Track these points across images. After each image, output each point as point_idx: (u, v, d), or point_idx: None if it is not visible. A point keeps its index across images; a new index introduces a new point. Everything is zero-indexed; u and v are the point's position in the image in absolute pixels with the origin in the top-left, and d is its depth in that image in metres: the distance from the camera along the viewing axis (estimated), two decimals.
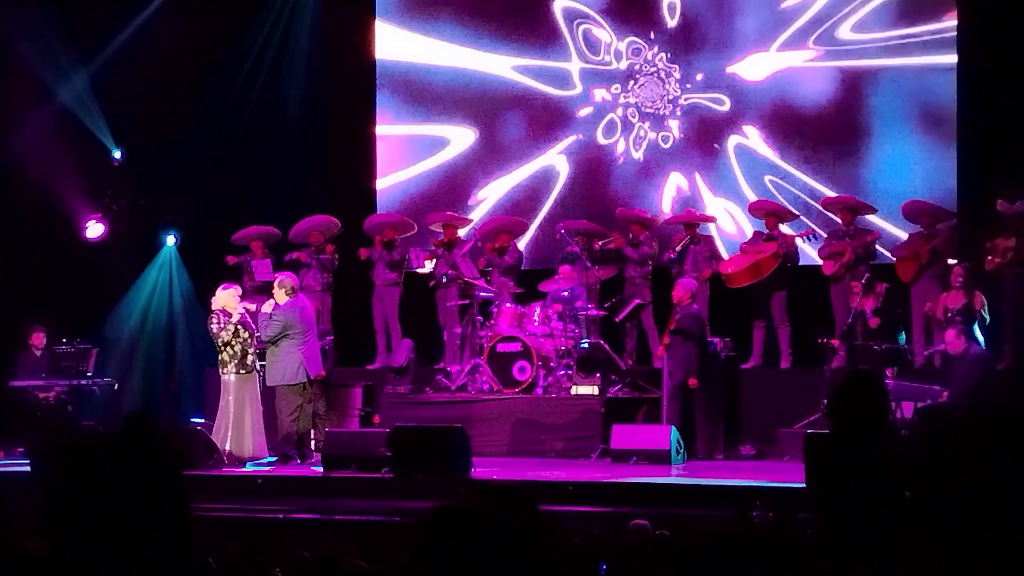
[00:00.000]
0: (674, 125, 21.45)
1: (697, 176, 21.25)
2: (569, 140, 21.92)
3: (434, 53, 22.51)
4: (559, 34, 22.11)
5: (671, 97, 21.48)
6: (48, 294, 21.67)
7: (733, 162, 21.07)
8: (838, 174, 20.48)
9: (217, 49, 22.44)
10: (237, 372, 17.14)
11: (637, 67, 21.73)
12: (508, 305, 19.16)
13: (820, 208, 19.99)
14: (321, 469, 16.38)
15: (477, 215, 21.60)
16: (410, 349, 19.74)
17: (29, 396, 19.94)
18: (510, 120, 22.26)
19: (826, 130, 20.67)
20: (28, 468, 16.27)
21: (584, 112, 21.88)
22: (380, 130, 22.69)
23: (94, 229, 21.89)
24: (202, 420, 18.68)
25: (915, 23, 20.15)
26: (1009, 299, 17.99)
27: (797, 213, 19.80)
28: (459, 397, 18.86)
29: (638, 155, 21.57)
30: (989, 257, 17.98)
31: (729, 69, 21.15)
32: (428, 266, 20.43)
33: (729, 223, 20.85)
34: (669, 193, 21.31)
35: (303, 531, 13.56)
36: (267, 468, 16.85)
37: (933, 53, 20.06)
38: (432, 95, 22.53)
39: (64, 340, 20.42)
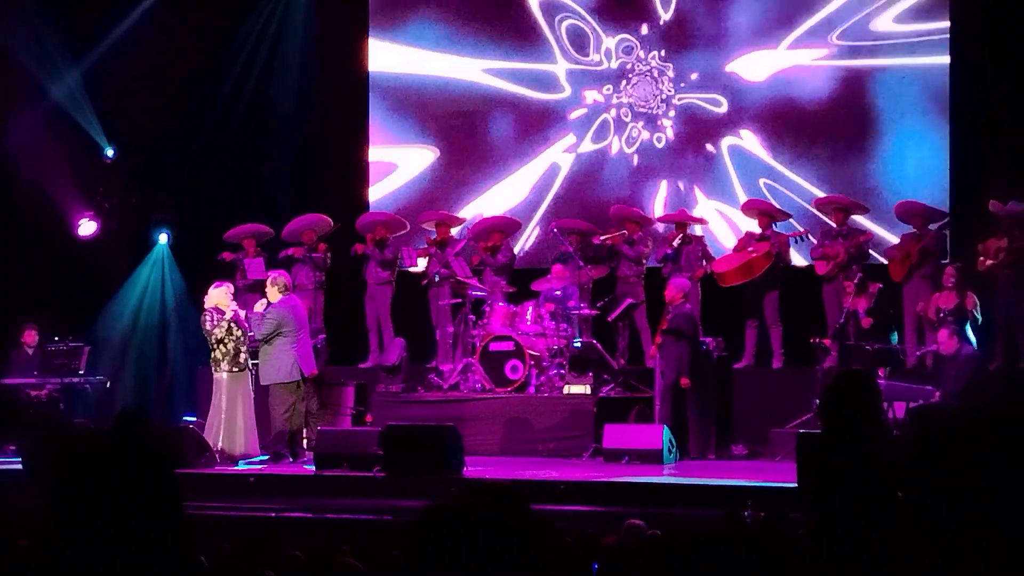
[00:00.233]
0: (667, 125, 21.43)
1: (690, 177, 21.23)
2: (561, 142, 21.87)
3: (421, 62, 22.43)
4: (541, 35, 22.05)
5: (664, 96, 21.46)
6: (40, 292, 21.65)
7: (727, 164, 21.05)
8: (834, 176, 20.45)
9: (210, 46, 22.43)
10: (230, 370, 17.12)
11: (629, 66, 21.70)
12: (500, 304, 19.16)
13: (814, 211, 19.98)
14: (313, 468, 16.38)
15: (469, 214, 21.57)
16: (402, 348, 19.73)
17: (21, 394, 19.92)
18: (501, 126, 22.21)
19: (824, 131, 20.62)
20: (20, 466, 16.25)
21: (576, 114, 21.85)
22: (373, 129, 22.67)
23: (86, 227, 21.87)
24: (194, 418, 18.67)
25: (909, 23, 20.16)
26: (1001, 300, 18.02)
27: (789, 213, 19.79)
28: (451, 396, 18.85)
29: (631, 155, 21.55)
30: (981, 258, 18.01)
31: (728, 67, 21.11)
32: (421, 264, 20.43)
33: (722, 226, 20.80)
34: (661, 193, 21.29)
35: (295, 530, 13.55)
36: (259, 467, 16.84)
37: (926, 54, 20.08)
38: (422, 101, 22.47)
39: (56, 338, 20.41)
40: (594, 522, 11.66)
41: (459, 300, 19.68)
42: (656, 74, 21.52)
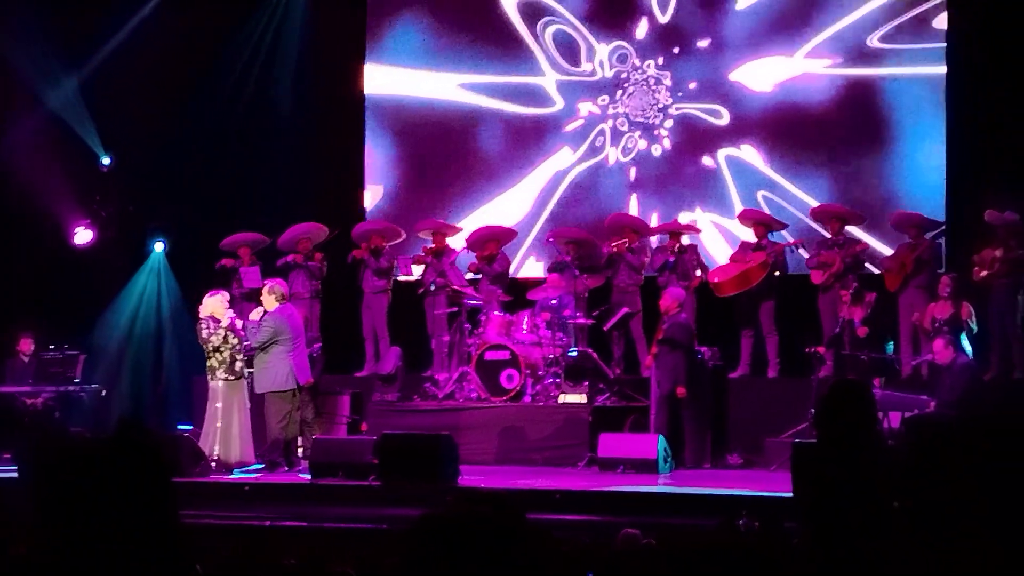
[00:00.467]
0: (664, 135, 21.39)
1: (687, 189, 21.18)
2: (557, 156, 21.82)
3: (413, 80, 22.42)
4: (525, 46, 22.00)
5: (661, 106, 21.44)
6: (36, 300, 21.63)
7: (726, 175, 21.01)
8: (832, 186, 20.42)
9: (206, 54, 22.42)
10: (226, 378, 17.12)
11: (624, 75, 21.66)
12: (496, 313, 19.17)
13: (810, 222, 19.97)
14: (309, 476, 16.38)
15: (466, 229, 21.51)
16: (398, 357, 19.73)
17: (17, 402, 19.91)
18: (494, 142, 22.19)
19: (822, 142, 20.59)
20: (15, 474, 16.22)
21: (572, 127, 21.80)
22: (369, 138, 22.68)
23: (83, 235, 21.87)
24: (190, 427, 18.65)
25: (907, 33, 20.18)
26: (996, 310, 18.02)
27: (785, 223, 19.79)
28: (447, 405, 18.85)
29: (628, 165, 21.50)
30: (977, 267, 18.02)
31: (732, 76, 21.06)
32: (416, 273, 20.43)
33: (718, 238, 20.75)
34: (657, 205, 21.26)
35: (290, 538, 13.52)
36: (254, 475, 16.83)
37: (923, 64, 20.09)
38: (415, 120, 22.46)
39: (52, 346, 20.40)
40: (589, 531, 11.65)
41: (455, 309, 19.67)
42: (652, 83, 21.49)
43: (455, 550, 3.29)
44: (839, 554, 6.67)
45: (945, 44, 19.89)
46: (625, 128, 21.55)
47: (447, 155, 22.29)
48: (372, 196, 22.53)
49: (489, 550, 3.29)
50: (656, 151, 21.40)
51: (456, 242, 20.62)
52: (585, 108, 21.82)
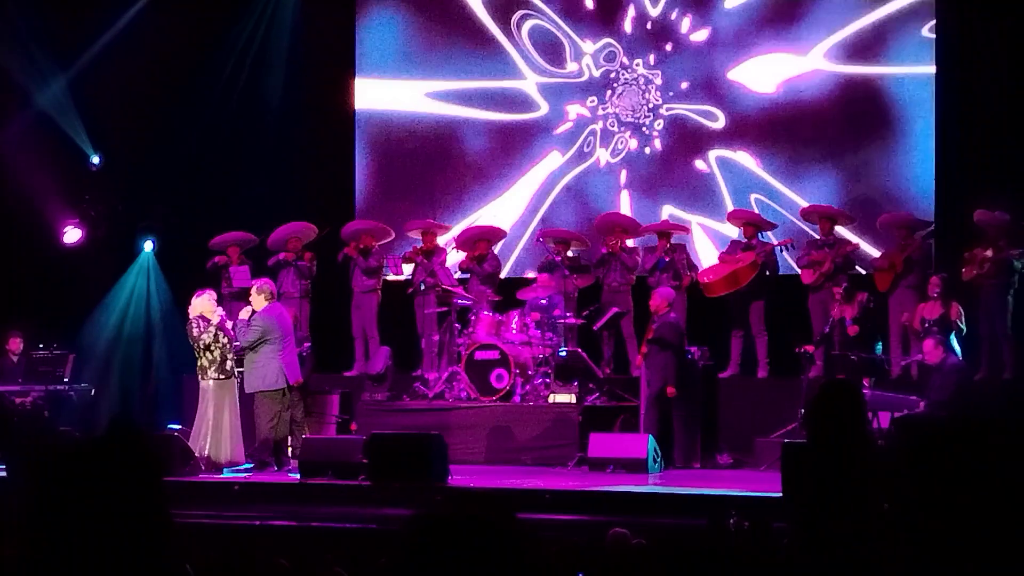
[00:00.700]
0: (655, 136, 21.35)
1: (677, 190, 21.16)
2: (546, 161, 21.77)
3: (398, 94, 22.43)
4: (502, 49, 21.98)
5: (652, 106, 21.40)
6: (25, 299, 21.60)
7: (718, 177, 20.97)
8: (824, 186, 20.41)
9: (196, 54, 22.40)
10: (216, 378, 17.11)
11: (613, 74, 21.63)
12: (486, 313, 19.16)
13: (798, 222, 19.97)
14: (298, 476, 16.37)
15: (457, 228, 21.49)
16: (388, 356, 19.73)
17: (5, 401, 19.86)
18: (481, 152, 22.16)
19: (819, 143, 20.54)
20: (4, 474, 16.20)
21: (561, 130, 21.77)
22: (358, 144, 22.67)
23: (72, 234, 21.84)
24: (179, 426, 18.63)
25: (895, 30, 20.18)
26: (986, 310, 18.04)
27: (775, 223, 19.80)
28: (436, 405, 18.84)
29: (618, 165, 21.46)
30: (966, 267, 18.03)
31: (728, 74, 21.01)
32: (407, 271, 20.42)
33: (707, 242, 20.72)
34: (648, 205, 21.23)
35: (280, 538, 13.52)
36: (244, 475, 16.82)
37: (912, 63, 20.10)
38: (401, 132, 22.48)
39: (41, 345, 20.38)
40: (579, 531, 11.66)
41: (445, 309, 19.67)
42: (642, 82, 21.44)
43: (445, 551, 3.29)
44: (828, 554, 6.68)
45: (934, 43, 19.87)
46: (615, 128, 21.52)
47: (433, 165, 22.19)
48: (361, 197, 22.49)
49: (480, 551, 3.29)
50: (647, 151, 21.36)
51: (445, 242, 20.63)
52: (574, 111, 21.76)
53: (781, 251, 19.32)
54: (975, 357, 17.84)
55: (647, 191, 21.32)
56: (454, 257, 20.74)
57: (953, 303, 17.63)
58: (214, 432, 17.00)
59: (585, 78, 21.76)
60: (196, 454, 16.78)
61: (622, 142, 21.46)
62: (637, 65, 21.45)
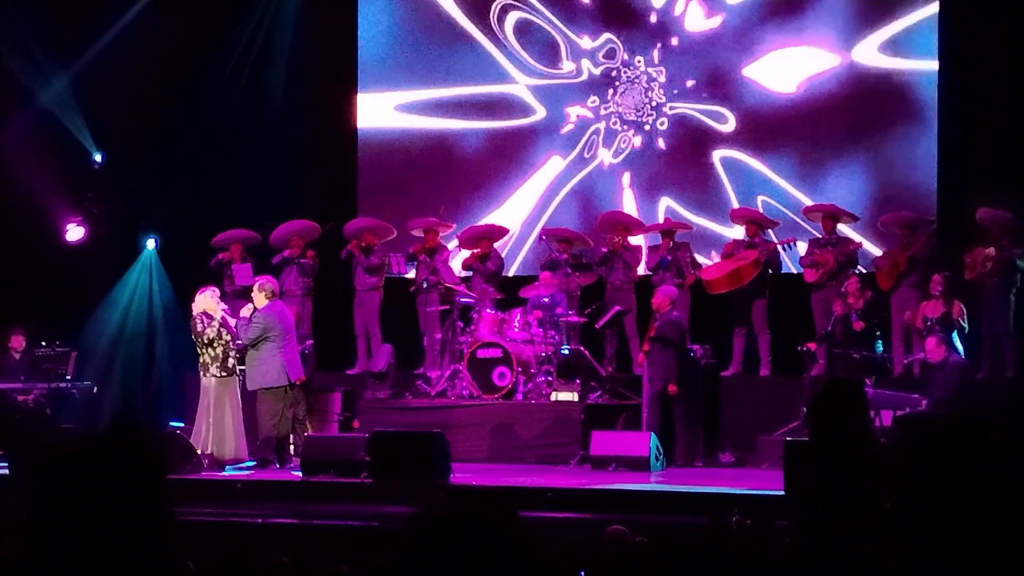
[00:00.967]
0: (660, 134, 21.26)
1: (682, 190, 21.08)
2: (548, 164, 21.69)
3: (397, 104, 22.41)
4: (489, 52, 21.92)
5: (655, 104, 21.34)
6: (28, 297, 21.62)
7: (723, 177, 20.90)
8: (826, 186, 20.37)
9: (199, 51, 22.41)
10: (218, 375, 17.12)
11: (614, 72, 21.55)
12: (488, 311, 19.16)
13: (800, 220, 19.94)
14: (300, 474, 16.37)
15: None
16: (390, 354, 19.73)
17: (8, 399, 19.87)
18: (481, 161, 22.07)
19: (831, 142, 20.50)
20: (6, 472, 16.22)
21: (563, 132, 21.67)
22: (362, 133, 22.64)
23: (74, 232, 21.86)
24: (181, 424, 18.64)
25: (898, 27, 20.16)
26: (988, 309, 18.02)
27: (777, 221, 19.79)
28: (439, 402, 18.85)
29: (621, 165, 21.39)
30: (968, 266, 18.02)
31: (745, 71, 20.86)
32: (410, 271, 20.40)
33: (713, 241, 20.62)
34: (651, 205, 21.18)
35: (282, 536, 13.53)
36: (246, 472, 16.83)
37: (915, 58, 20.07)
38: (404, 147, 22.41)
39: (43, 343, 20.39)
40: (581, 529, 11.66)
41: (447, 307, 19.68)
42: (645, 80, 21.38)
43: (446, 549, 3.29)
44: (831, 552, 6.68)
45: (937, 40, 19.84)
46: (618, 127, 21.44)
47: (430, 180, 21.98)
48: (365, 192, 22.47)
49: (481, 549, 3.29)
50: (651, 150, 21.27)
51: (449, 240, 20.63)
52: (574, 113, 21.65)
53: (785, 249, 19.32)
54: (977, 356, 17.83)
55: (651, 190, 21.25)
56: (457, 255, 20.72)
57: (955, 301, 17.62)
58: (216, 430, 17.01)
59: (584, 77, 21.67)
60: (198, 451, 16.80)
61: (625, 141, 21.40)
62: (639, 62, 21.39)
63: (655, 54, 21.33)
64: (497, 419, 18.44)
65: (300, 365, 17.42)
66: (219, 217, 21.21)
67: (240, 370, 17.43)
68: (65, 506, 3.37)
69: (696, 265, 19.51)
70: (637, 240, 20.01)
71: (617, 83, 21.46)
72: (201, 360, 17.23)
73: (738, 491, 14.69)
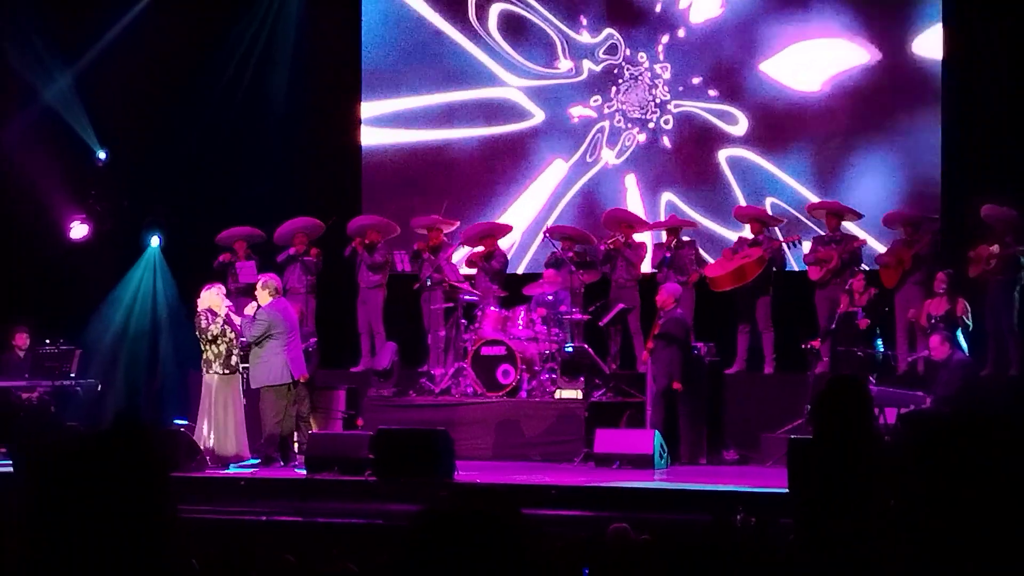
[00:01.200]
0: (664, 132, 21.20)
1: (687, 189, 21.03)
2: (552, 168, 21.61)
3: (396, 115, 22.40)
4: (475, 56, 21.91)
5: (659, 101, 21.27)
6: (32, 295, 21.64)
7: (729, 177, 20.86)
8: (826, 181, 20.35)
9: (202, 49, 22.41)
10: (221, 372, 17.13)
11: (616, 69, 21.46)
12: (492, 309, 19.16)
13: (803, 218, 19.92)
14: (304, 471, 16.37)
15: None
16: (394, 352, 19.73)
17: (12, 397, 19.89)
18: (481, 169, 21.98)
19: (820, 135, 20.50)
20: (10, 469, 16.23)
21: (566, 133, 21.59)
22: (366, 130, 22.62)
23: (78, 230, 21.87)
24: (185, 422, 18.65)
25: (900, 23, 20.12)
26: (992, 306, 18.02)
27: (781, 219, 19.78)
28: (443, 400, 18.86)
29: (625, 164, 21.32)
30: (973, 264, 18.01)
31: (762, 66, 20.71)
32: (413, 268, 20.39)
33: (720, 240, 20.58)
34: (657, 202, 21.14)
35: (286, 534, 13.54)
36: (250, 470, 16.83)
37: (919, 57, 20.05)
38: (407, 160, 22.40)
39: (47, 341, 20.40)
40: (585, 527, 11.66)
41: (451, 304, 19.67)
42: (649, 78, 21.31)
43: (451, 546, 3.29)
44: (834, 550, 6.67)
45: (942, 36, 19.81)
46: (623, 125, 21.37)
47: (427, 193, 21.69)
48: (368, 188, 22.44)
49: (486, 546, 3.29)
50: (655, 148, 21.20)
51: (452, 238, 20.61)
52: (576, 113, 21.57)
53: (790, 247, 19.32)
54: (981, 353, 17.83)
55: (654, 187, 21.20)
56: (461, 253, 20.70)
57: (959, 299, 17.62)
58: (217, 427, 17.02)
59: (584, 76, 21.58)
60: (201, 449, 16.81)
61: (630, 139, 21.34)
62: (642, 58, 21.31)
63: (659, 49, 21.25)
64: (501, 417, 18.44)
65: (304, 363, 17.41)
66: (222, 215, 21.22)
67: (243, 368, 17.43)
68: (68, 504, 3.37)
69: (701, 262, 19.49)
70: (642, 237, 19.98)
71: (620, 80, 21.38)
72: (204, 357, 17.24)
73: (742, 489, 14.68)
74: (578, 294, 19.46)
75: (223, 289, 17.78)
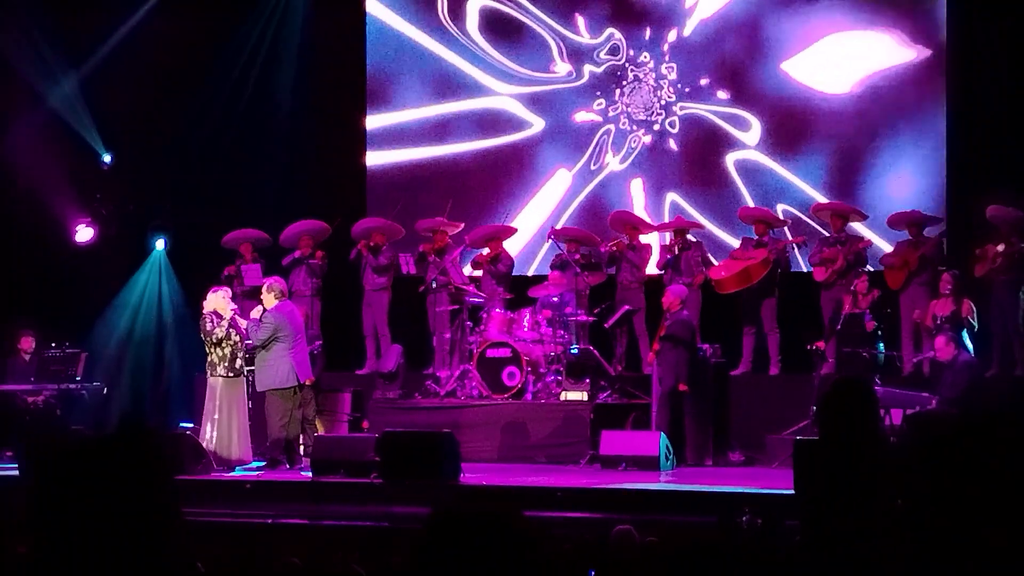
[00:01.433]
0: (671, 135, 21.08)
1: (692, 192, 20.98)
2: (555, 178, 21.50)
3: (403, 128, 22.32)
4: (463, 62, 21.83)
5: (664, 103, 21.22)
6: (37, 298, 21.64)
7: (738, 182, 20.81)
8: (834, 183, 20.30)
9: (207, 53, 22.41)
10: (225, 375, 17.14)
11: (619, 72, 21.40)
12: (498, 311, 19.15)
13: (808, 219, 19.89)
14: (310, 474, 16.37)
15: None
16: (399, 354, 19.72)
17: (18, 400, 19.89)
18: (486, 183, 21.84)
19: (828, 138, 20.46)
20: (16, 472, 16.24)
21: (567, 140, 21.47)
22: (369, 128, 22.60)
23: (83, 233, 21.87)
24: (191, 425, 18.66)
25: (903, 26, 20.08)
26: (997, 306, 18.01)
27: (787, 220, 19.77)
28: (448, 402, 18.84)
29: (632, 167, 21.22)
30: (978, 264, 18.00)
31: (784, 66, 20.54)
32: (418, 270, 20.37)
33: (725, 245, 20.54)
34: (659, 204, 21.10)
35: (292, 536, 13.54)
36: (256, 473, 16.83)
37: (922, 58, 20.01)
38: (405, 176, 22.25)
39: (53, 344, 20.39)
40: (591, 529, 11.66)
41: (456, 307, 19.67)
42: (654, 79, 21.25)
43: (458, 549, 3.29)
44: (840, 551, 6.67)
45: (945, 38, 19.79)
46: (628, 127, 21.29)
47: (426, 212, 21.36)
48: (373, 191, 22.41)
49: (492, 549, 3.29)
50: (661, 150, 21.13)
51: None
52: (580, 117, 21.47)
53: (794, 248, 19.32)
54: (987, 354, 17.82)
55: (661, 190, 21.09)
56: (467, 255, 20.68)
57: (964, 300, 17.61)
58: (221, 430, 17.03)
59: (585, 79, 21.44)
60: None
61: (635, 140, 21.26)
62: (645, 58, 21.24)
63: (665, 48, 21.08)
64: (507, 419, 18.44)
65: (309, 366, 17.42)
66: (228, 218, 21.20)
67: (248, 371, 17.45)
68: (74, 507, 3.37)
69: (708, 264, 19.46)
70: (648, 239, 19.96)
71: (624, 82, 21.30)
72: (209, 359, 17.26)
73: (748, 490, 14.69)
74: (583, 296, 19.46)
75: (229, 292, 17.81)
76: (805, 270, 19.40)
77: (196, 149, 22.12)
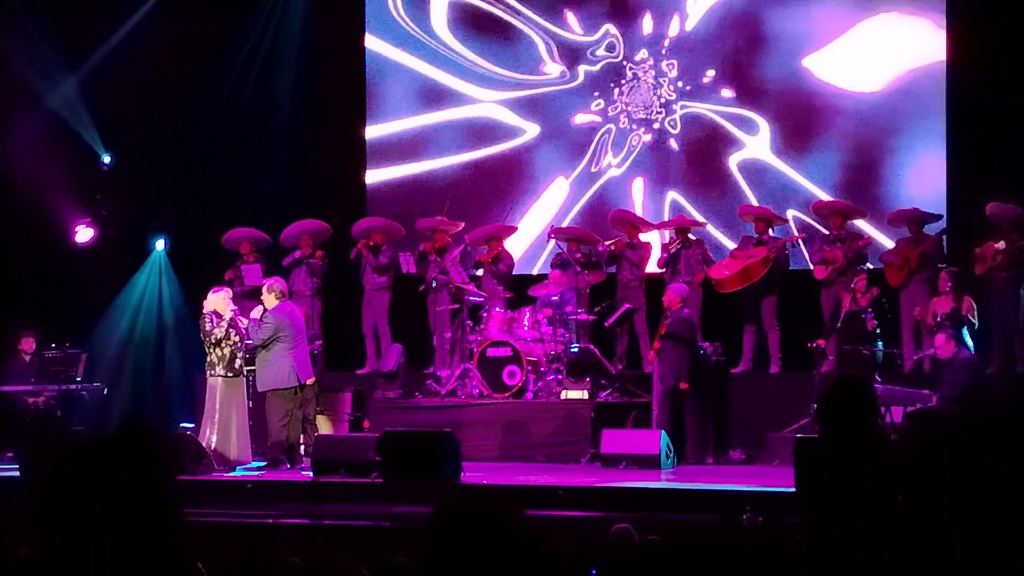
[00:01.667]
0: (672, 134, 21.00)
1: (692, 191, 20.92)
2: (553, 187, 21.42)
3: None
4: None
5: (664, 101, 21.17)
6: (37, 299, 21.64)
7: (741, 183, 20.75)
8: (839, 181, 20.25)
9: (207, 53, 22.42)
10: (225, 375, 17.14)
11: (616, 70, 21.31)
12: (498, 310, 19.15)
13: (808, 218, 19.89)
14: (311, 474, 16.38)
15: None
16: (400, 354, 19.72)
17: (18, 401, 19.90)
18: (485, 193, 21.71)
19: (834, 136, 20.38)
20: (17, 473, 16.24)
21: (564, 144, 21.38)
22: (370, 132, 22.60)
23: (83, 234, 21.87)
24: (191, 425, 18.66)
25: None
26: (997, 304, 18.01)
27: (786, 218, 19.77)
28: (449, 402, 18.84)
29: (632, 166, 21.15)
30: (978, 261, 18.00)
31: (805, 62, 20.36)
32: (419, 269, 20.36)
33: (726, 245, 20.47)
34: (659, 202, 21.10)
35: (293, 536, 13.54)
36: (257, 473, 16.83)
37: (924, 57, 20.00)
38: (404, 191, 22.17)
39: (53, 345, 20.39)
40: (592, 528, 11.66)
41: (457, 306, 19.67)
42: (652, 77, 21.22)
43: (460, 548, 3.29)
44: (841, 548, 6.67)
45: (945, 37, 19.78)
46: (628, 126, 21.23)
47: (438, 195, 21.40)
48: (373, 192, 22.39)
49: (493, 548, 3.29)
50: (662, 149, 21.09)
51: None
52: (578, 119, 21.38)
53: (793, 246, 19.32)
54: (987, 351, 17.81)
55: (662, 188, 21.04)
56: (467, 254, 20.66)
57: (965, 297, 17.61)
58: (221, 430, 17.03)
59: (580, 80, 21.34)
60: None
61: (636, 139, 21.20)
62: (643, 55, 21.17)
63: (664, 44, 20.97)
64: (507, 418, 18.44)
65: (310, 366, 17.42)
66: (228, 218, 21.21)
67: (248, 371, 17.45)
68: (75, 508, 3.37)
69: (708, 262, 19.43)
70: (648, 237, 19.95)
71: (622, 81, 21.24)
72: (208, 359, 17.26)
73: (749, 488, 14.68)
74: (584, 294, 19.45)
75: (230, 292, 17.81)
76: (805, 268, 19.36)
77: (196, 149, 22.12)
